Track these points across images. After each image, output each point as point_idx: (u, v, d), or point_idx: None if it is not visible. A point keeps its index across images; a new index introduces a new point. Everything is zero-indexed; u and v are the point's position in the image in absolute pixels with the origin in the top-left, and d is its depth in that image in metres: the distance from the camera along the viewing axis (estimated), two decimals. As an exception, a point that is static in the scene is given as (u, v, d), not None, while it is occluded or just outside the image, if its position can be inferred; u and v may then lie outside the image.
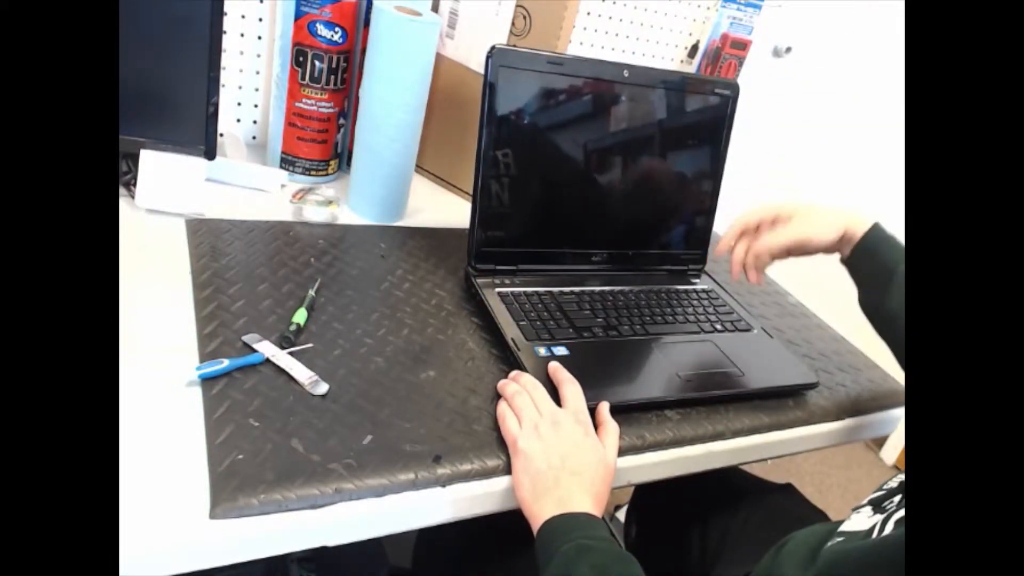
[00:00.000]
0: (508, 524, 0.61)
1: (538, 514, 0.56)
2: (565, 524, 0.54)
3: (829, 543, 0.54)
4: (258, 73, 1.02)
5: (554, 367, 0.67)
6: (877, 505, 0.54)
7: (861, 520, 0.54)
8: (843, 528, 0.56)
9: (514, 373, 0.67)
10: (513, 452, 0.60)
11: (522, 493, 0.57)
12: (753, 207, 0.78)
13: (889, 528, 0.49)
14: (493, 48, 0.74)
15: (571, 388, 0.64)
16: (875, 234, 0.74)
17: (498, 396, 0.66)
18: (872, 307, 0.75)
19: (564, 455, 0.58)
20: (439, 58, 0.95)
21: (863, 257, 0.75)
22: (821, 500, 0.89)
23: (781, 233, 0.76)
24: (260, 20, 0.98)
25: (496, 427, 0.62)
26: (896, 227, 1.97)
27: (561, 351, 0.71)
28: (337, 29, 0.88)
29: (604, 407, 0.65)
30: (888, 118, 1.69)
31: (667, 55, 1.33)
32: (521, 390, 0.63)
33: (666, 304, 0.86)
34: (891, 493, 0.54)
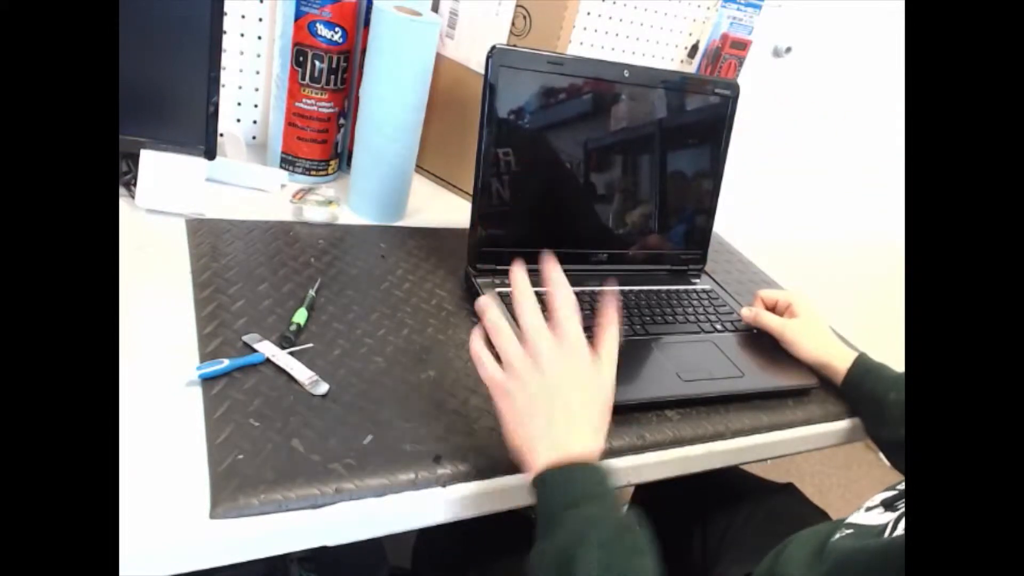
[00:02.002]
0: (508, 524, 0.61)
1: (531, 462, 0.51)
2: (563, 480, 0.49)
3: (837, 535, 0.54)
4: (258, 73, 1.02)
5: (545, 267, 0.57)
6: (889, 505, 0.54)
7: (872, 516, 0.54)
8: (851, 520, 0.56)
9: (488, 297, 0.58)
10: (498, 396, 0.54)
11: (512, 440, 0.52)
12: (779, 291, 0.89)
13: (901, 528, 0.49)
14: (493, 48, 0.74)
15: (563, 294, 0.55)
16: (858, 367, 0.78)
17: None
18: (872, 436, 0.79)
19: (555, 389, 0.52)
20: (439, 58, 0.95)
21: (850, 390, 0.79)
22: (821, 500, 0.89)
23: (773, 321, 0.83)
24: (260, 20, 0.98)
25: (497, 427, 0.62)
26: (896, 227, 1.96)
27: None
28: (337, 29, 0.88)
29: (605, 321, 0.57)
30: (889, 118, 1.69)
31: (667, 55, 1.33)
32: (502, 322, 0.55)
33: (666, 304, 0.86)
34: (903, 494, 0.54)
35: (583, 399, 0.53)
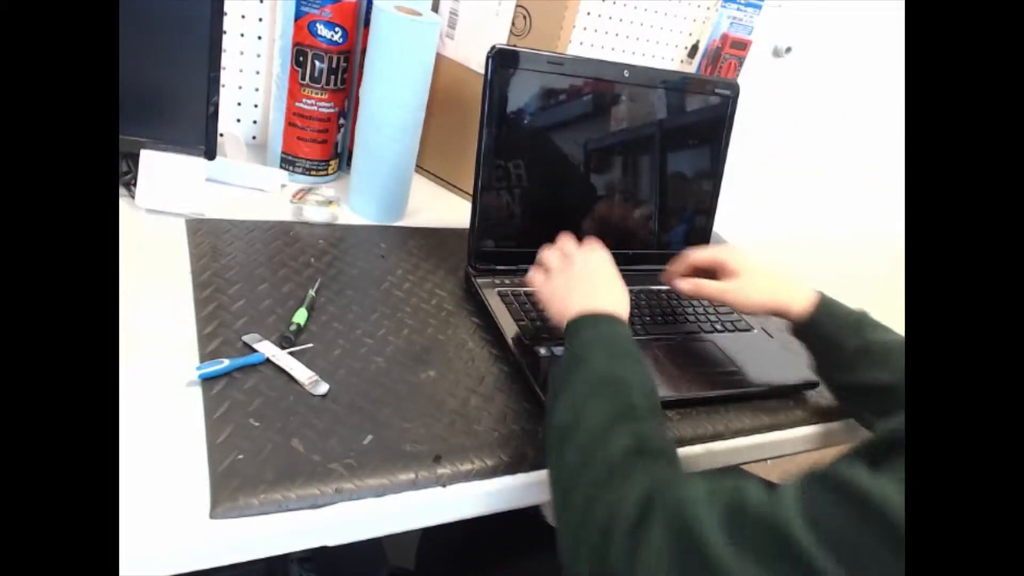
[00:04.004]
0: (509, 524, 0.61)
1: (566, 314, 0.62)
2: (591, 322, 0.60)
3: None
4: (258, 73, 1.02)
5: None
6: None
7: None
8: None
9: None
10: (541, 287, 0.68)
11: (552, 310, 0.66)
12: (709, 250, 0.79)
13: None
14: (493, 48, 0.74)
15: (595, 244, 0.71)
16: (815, 309, 0.73)
17: (498, 396, 0.66)
18: (825, 378, 0.77)
19: (593, 271, 0.67)
20: (439, 58, 0.95)
21: (805, 332, 0.75)
22: (821, 500, 0.89)
23: (713, 289, 0.76)
24: (260, 20, 0.98)
25: (496, 427, 0.62)
26: (896, 227, 1.96)
27: (561, 351, 0.71)
28: (337, 29, 0.88)
29: None
30: (889, 118, 1.69)
31: (667, 55, 1.33)
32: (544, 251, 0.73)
33: (666, 304, 0.86)
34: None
35: (605, 278, 0.67)
